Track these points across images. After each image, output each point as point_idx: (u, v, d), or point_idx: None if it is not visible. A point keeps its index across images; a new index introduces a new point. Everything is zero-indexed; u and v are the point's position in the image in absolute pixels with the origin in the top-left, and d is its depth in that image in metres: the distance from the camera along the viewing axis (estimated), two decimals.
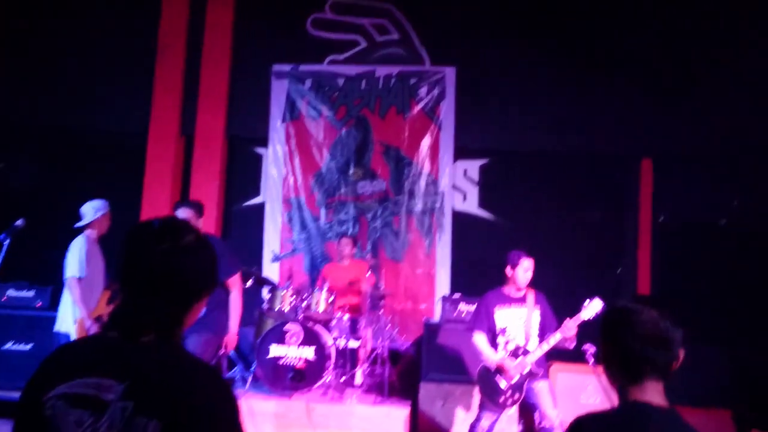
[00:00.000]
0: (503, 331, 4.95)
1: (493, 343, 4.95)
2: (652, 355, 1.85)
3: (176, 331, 1.60)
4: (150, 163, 7.75)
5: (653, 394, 1.84)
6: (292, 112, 7.91)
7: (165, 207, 7.55)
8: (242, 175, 8.04)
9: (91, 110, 7.88)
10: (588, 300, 4.58)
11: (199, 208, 4.82)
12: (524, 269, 4.93)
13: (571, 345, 4.69)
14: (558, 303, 5.10)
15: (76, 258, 5.17)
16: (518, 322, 4.94)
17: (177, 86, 7.86)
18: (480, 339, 4.95)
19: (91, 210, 5.39)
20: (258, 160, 8.00)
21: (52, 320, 5.38)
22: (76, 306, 5.13)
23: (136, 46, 7.91)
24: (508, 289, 5.02)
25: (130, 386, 1.47)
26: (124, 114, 7.90)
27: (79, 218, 5.41)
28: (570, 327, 4.64)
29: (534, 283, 5.07)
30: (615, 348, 1.91)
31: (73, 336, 5.13)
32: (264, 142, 7.92)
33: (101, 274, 5.38)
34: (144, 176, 7.72)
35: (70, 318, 5.19)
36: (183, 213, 4.65)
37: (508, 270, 4.97)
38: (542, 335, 4.91)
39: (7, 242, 5.15)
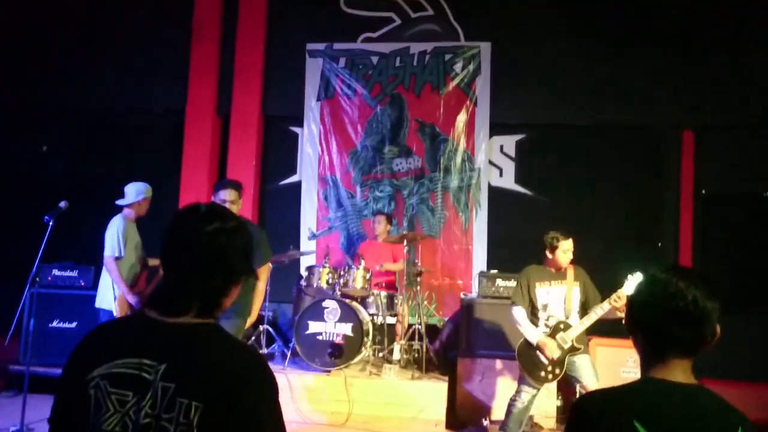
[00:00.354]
0: (544, 307, 4.93)
1: (534, 318, 4.94)
2: (677, 332, 1.64)
3: (215, 313, 1.61)
4: (187, 143, 7.84)
5: (675, 371, 1.64)
6: (326, 91, 7.92)
7: (203, 186, 7.64)
8: (278, 154, 8.08)
9: (129, 92, 7.98)
10: (630, 274, 4.51)
11: (240, 188, 4.85)
12: (563, 251, 4.88)
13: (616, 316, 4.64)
14: (599, 278, 5.05)
15: (114, 238, 5.28)
16: (558, 298, 4.91)
17: (213, 66, 7.91)
18: (520, 314, 4.93)
19: (134, 191, 5.49)
20: (294, 138, 8.03)
21: (95, 299, 5.50)
22: (116, 284, 5.24)
23: (172, 27, 7.97)
24: (549, 266, 4.99)
25: (170, 367, 1.48)
26: (162, 95, 7.98)
27: (120, 196, 5.51)
28: (615, 300, 4.58)
29: (574, 258, 5.03)
30: (638, 323, 1.71)
31: (116, 313, 5.25)
32: (299, 121, 7.94)
33: (138, 253, 5.48)
34: (182, 156, 7.81)
35: (111, 295, 5.31)
36: (226, 194, 4.66)
37: (548, 252, 4.93)
38: (583, 310, 4.88)
39: (51, 224, 5.29)
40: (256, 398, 1.49)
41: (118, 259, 5.26)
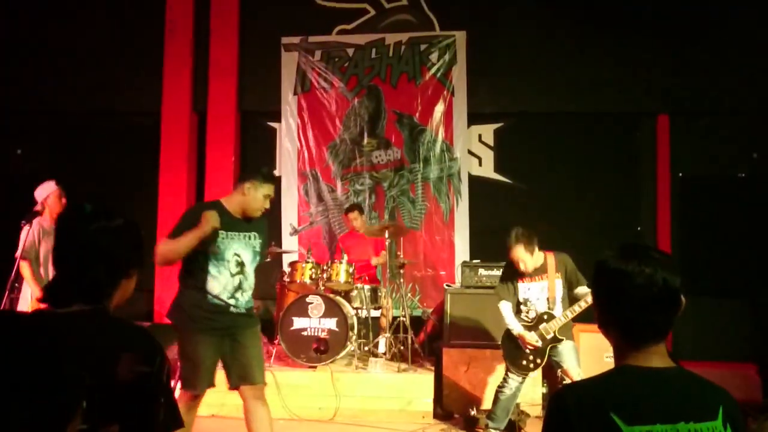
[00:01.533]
0: (525, 302, 4.98)
1: (519, 311, 4.99)
2: (652, 318, 1.62)
3: (104, 302, 1.75)
4: (165, 142, 7.77)
5: (652, 357, 1.61)
6: (303, 85, 7.87)
7: (182, 184, 7.60)
8: (257, 149, 8.03)
9: (103, 92, 7.88)
10: None
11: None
12: (520, 261, 4.88)
13: None
14: (580, 265, 5.08)
15: (22, 242, 5.35)
16: (541, 293, 4.95)
17: (187, 63, 7.83)
18: (505, 308, 4.98)
19: (39, 193, 5.57)
20: (272, 134, 7.99)
21: None
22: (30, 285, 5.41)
23: (145, 25, 7.88)
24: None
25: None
26: (137, 94, 7.90)
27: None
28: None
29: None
30: (611, 316, 1.67)
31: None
32: (277, 116, 7.89)
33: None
34: (159, 155, 7.74)
35: (29, 296, 5.45)
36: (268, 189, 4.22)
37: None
38: (569, 299, 4.92)
39: (27, 227, 5.25)
40: (143, 373, 1.61)
41: (28, 260, 5.36)
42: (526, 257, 4.85)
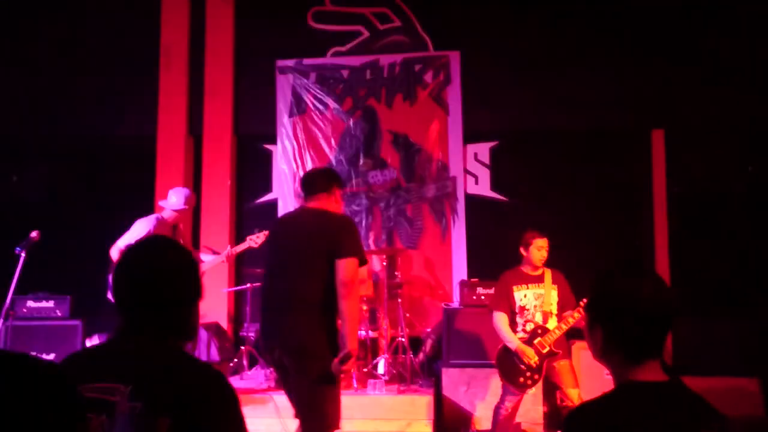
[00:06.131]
0: (522, 310, 4.96)
1: (513, 323, 4.95)
2: (655, 334, 1.68)
3: (170, 336, 1.77)
4: (160, 166, 7.78)
5: (651, 371, 1.66)
6: (298, 107, 7.90)
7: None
8: (253, 172, 8.04)
9: (98, 117, 7.91)
10: None
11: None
12: (538, 248, 4.93)
13: None
14: (578, 282, 5.07)
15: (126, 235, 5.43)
16: (536, 301, 4.94)
17: (182, 87, 7.87)
18: (500, 319, 4.96)
19: (174, 198, 5.64)
20: (267, 156, 7.99)
21: (72, 329, 5.44)
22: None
23: (139, 49, 7.93)
24: (525, 269, 5.02)
25: (135, 388, 1.58)
26: (132, 118, 7.93)
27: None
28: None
29: (552, 263, 5.05)
30: (615, 332, 1.69)
31: None
32: (272, 139, 7.91)
33: None
34: (155, 179, 7.75)
35: None
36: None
37: (522, 250, 4.98)
38: (561, 314, 4.91)
39: (23, 255, 5.23)
40: (218, 407, 1.65)
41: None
42: (545, 249, 4.95)
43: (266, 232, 4.94)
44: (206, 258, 5.79)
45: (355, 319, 3.56)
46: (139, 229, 5.43)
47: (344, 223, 3.71)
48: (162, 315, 1.75)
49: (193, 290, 1.84)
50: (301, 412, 3.59)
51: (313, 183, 3.83)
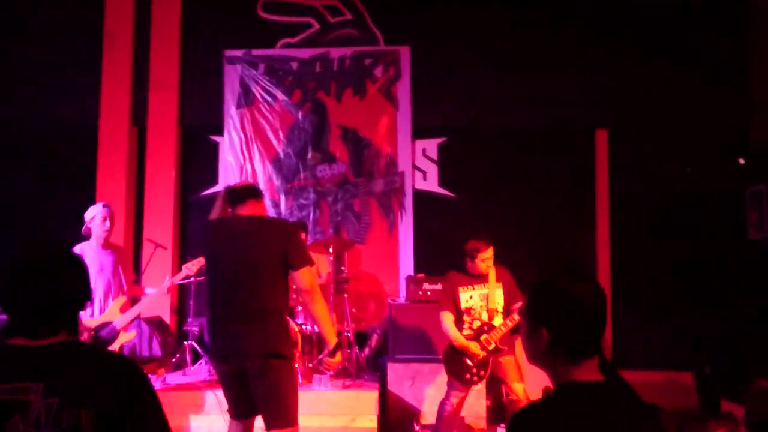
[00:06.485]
0: (467, 310, 5.01)
1: (460, 321, 5.00)
2: (597, 335, 1.74)
3: (63, 333, 1.80)
4: (102, 156, 7.57)
5: (588, 371, 1.71)
6: (246, 98, 7.78)
7: (120, 200, 7.39)
8: (198, 164, 7.88)
9: (39, 104, 7.64)
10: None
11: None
12: (482, 260, 4.96)
13: None
14: (521, 279, 5.15)
15: None
16: (482, 302, 4.99)
17: (126, 75, 7.66)
18: (447, 319, 5.00)
19: (87, 215, 5.31)
20: (214, 148, 7.85)
21: None
22: None
23: (83, 34, 7.68)
24: (470, 270, 5.06)
25: (47, 385, 1.61)
26: (74, 106, 7.67)
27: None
28: None
29: (497, 259, 5.10)
30: (562, 335, 1.72)
31: None
32: (219, 130, 7.77)
33: (103, 281, 5.27)
34: (97, 168, 7.54)
35: None
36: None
37: (468, 261, 5.00)
38: (507, 311, 4.97)
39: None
40: (136, 394, 1.72)
41: None
42: (490, 260, 4.97)
43: (201, 259, 4.92)
44: (150, 291, 5.64)
45: (327, 317, 3.80)
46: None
47: (292, 231, 3.89)
48: (56, 313, 1.80)
49: (87, 293, 1.94)
50: (266, 412, 3.68)
51: (240, 191, 3.96)
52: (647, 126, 7.53)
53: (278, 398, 3.64)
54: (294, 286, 3.77)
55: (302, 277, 3.67)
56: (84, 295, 1.92)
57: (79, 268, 1.93)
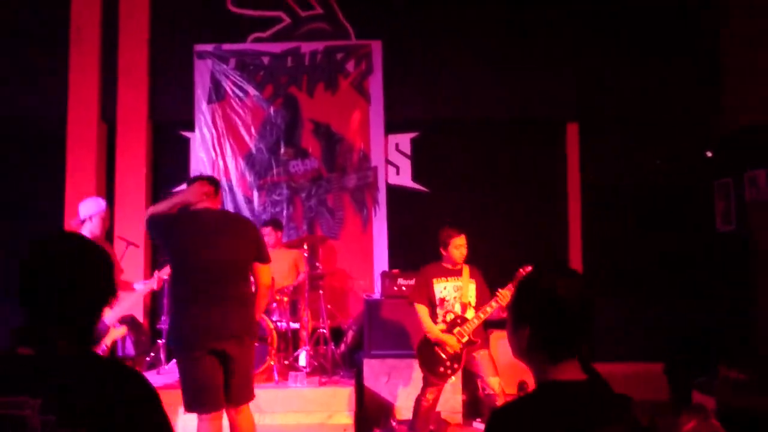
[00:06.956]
0: (441, 302, 5.05)
1: (433, 314, 5.04)
2: (580, 335, 1.71)
3: (89, 339, 1.68)
4: (71, 151, 7.43)
5: (570, 370, 1.69)
6: (217, 93, 7.70)
7: (90, 195, 7.27)
8: (169, 160, 7.80)
9: (3, 97, 7.48)
10: (521, 268, 4.60)
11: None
12: (456, 246, 5.01)
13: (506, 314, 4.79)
14: (494, 272, 5.20)
15: None
16: (456, 293, 5.04)
17: (94, 70, 7.51)
18: (422, 311, 5.04)
19: (84, 211, 5.15)
20: (185, 144, 7.77)
21: None
22: None
23: (50, 28, 7.51)
24: (446, 264, 5.10)
25: (46, 401, 1.50)
26: (41, 100, 7.52)
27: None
28: (504, 296, 4.77)
29: (470, 252, 5.14)
30: (545, 332, 1.70)
31: None
32: (190, 126, 7.68)
33: None
34: (66, 165, 7.41)
35: None
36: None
37: (442, 250, 5.05)
38: (479, 306, 5.02)
39: None
40: (142, 415, 1.62)
41: None
42: (463, 247, 5.03)
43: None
44: (138, 287, 5.56)
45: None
46: None
47: (257, 230, 4.28)
48: (72, 320, 1.65)
49: (112, 288, 1.76)
50: (239, 390, 3.96)
51: (216, 184, 4.26)
52: (618, 119, 7.61)
53: (250, 377, 4.07)
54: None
55: (265, 273, 4.14)
56: (110, 290, 1.74)
57: (104, 259, 1.75)
